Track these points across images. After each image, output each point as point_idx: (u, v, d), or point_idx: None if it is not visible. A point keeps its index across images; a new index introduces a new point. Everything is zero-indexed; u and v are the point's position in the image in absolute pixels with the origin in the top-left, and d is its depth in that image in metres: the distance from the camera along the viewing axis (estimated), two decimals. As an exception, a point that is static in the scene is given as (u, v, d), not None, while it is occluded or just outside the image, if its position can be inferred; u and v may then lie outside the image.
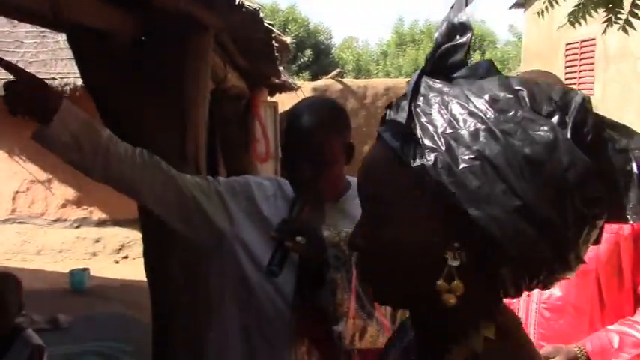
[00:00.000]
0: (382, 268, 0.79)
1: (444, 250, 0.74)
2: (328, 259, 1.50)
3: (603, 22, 3.51)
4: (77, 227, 8.58)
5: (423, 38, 28.17)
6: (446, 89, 0.75)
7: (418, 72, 0.78)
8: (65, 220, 8.59)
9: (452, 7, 0.81)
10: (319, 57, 25.45)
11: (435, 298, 0.75)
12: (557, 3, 3.65)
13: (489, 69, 0.78)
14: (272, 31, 3.64)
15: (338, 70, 13.27)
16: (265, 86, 7.56)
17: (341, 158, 1.68)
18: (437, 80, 0.76)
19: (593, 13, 3.58)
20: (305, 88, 11.62)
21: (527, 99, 0.75)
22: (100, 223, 8.57)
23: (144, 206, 1.76)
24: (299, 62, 24.12)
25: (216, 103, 4.55)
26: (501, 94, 0.74)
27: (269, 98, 11.07)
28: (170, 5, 2.12)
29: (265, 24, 3.37)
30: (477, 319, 0.78)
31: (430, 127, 0.73)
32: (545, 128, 0.72)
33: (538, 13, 3.74)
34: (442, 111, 0.74)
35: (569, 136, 0.72)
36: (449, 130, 0.73)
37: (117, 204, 8.51)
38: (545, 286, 0.78)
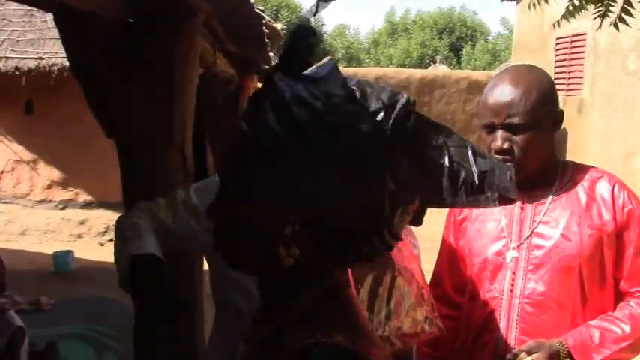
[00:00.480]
0: (236, 237, 0.92)
1: (284, 222, 0.85)
2: None
3: (595, 17, 3.51)
4: (62, 209, 8.52)
5: (414, 28, 28.14)
6: (292, 84, 0.87)
7: (271, 68, 0.92)
8: (50, 202, 8.53)
9: (304, 13, 0.95)
10: (310, 43, 25.28)
11: (276, 263, 0.89)
12: None
13: (333, 69, 0.91)
14: (262, 17, 3.61)
15: (329, 57, 13.19)
16: (255, 72, 7.51)
17: None
18: (286, 76, 0.88)
19: (586, 6, 3.58)
20: (295, 74, 11.58)
21: (358, 97, 0.89)
22: (86, 205, 8.52)
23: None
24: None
25: (205, 88, 4.52)
26: (337, 92, 0.87)
27: (259, 85, 11.03)
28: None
29: (256, 10, 3.34)
30: (310, 280, 0.93)
31: (275, 116, 0.85)
32: (368, 121, 0.86)
33: (529, 5, 3.73)
34: (287, 102, 0.86)
35: (389, 129, 0.87)
36: (290, 119, 0.84)
37: (103, 186, 8.48)
38: (371, 259, 0.92)
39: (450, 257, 1.96)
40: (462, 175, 0.92)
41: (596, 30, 3.55)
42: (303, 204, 0.84)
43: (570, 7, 3.54)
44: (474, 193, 0.92)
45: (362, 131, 0.85)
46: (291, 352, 0.87)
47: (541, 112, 1.69)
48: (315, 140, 0.83)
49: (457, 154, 0.93)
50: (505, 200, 0.93)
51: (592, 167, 1.81)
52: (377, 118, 0.87)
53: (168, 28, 2.23)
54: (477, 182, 0.92)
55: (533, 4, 3.68)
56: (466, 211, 1.90)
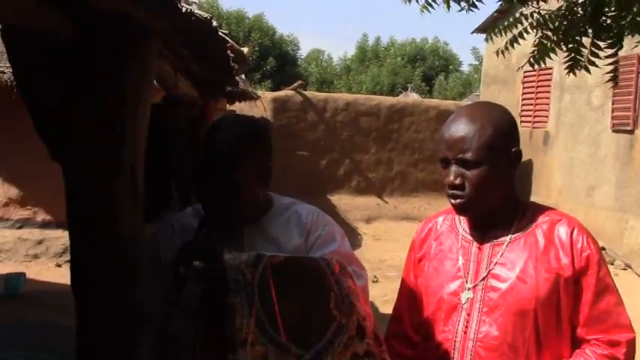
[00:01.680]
0: None
1: None
2: (228, 284, 1.44)
3: (565, 68, 3.57)
4: (19, 227, 8.27)
5: (386, 56, 28.43)
6: None
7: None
8: (7, 220, 8.27)
9: None
10: (284, 67, 25.42)
11: None
12: (517, 43, 3.69)
13: None
14: (227, 41, 3.54)
15: (299, 82, 13.23)
16: (223, 95, 7.44)
17: (256, 181, 1.65)
18: None
19: (552, 52, 3.63)
20: (265, 98, 11.53)
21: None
22: (44, 225, 8.27)
23: None
24: (262, 70, 24.06)
25: (169, 111, 4.43)
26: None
27: (228, 107, 10.95)
28: (109, 7, 2.00)
29: (220, 33, 3.27)
30: None
31: None
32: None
33: (497, 53, 3.76)
34: None
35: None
36: None
37: (62, 205, 8.19)
38: None
39: (409, 295, 1.91)
40: None
41: (566, 70, 3.60)
42: None
43: (536, 54, 3.58)
44: None
45: None
46: None
47: (496, 150, 1.66)
48: None
49: None
50: None
51: (553, 209, 1.78)
52: None
53: (120, 48, 2.13)
54: None
55: (501, 51, 3.72)
56: (425, 248, 1.86)
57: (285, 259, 1.50)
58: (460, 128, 1.67)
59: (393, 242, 10.71)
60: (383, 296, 7.60)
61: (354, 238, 10.92)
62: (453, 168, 1.67)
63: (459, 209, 1.71)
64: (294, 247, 1.66)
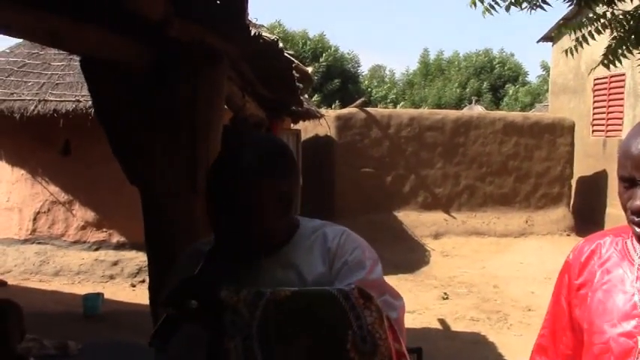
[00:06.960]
0: None
1: None
2: (224, 326, 1.27)
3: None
4: (96, 249, 8.56)
5: (449, 68, 28.15)
6: None
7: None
8: (84, 242, 8.59)
9: None
10: (347, 85, 25.55)
11: None
12: (587, 43, 3.57)
13: None
14: (292, 61, 3.59)
15: (362, 99, 13.22)
16: (288, 114, 7.52)
17: (273, 210, 1.41)
18: None
19: (628, 52, 3.51)
20: (329, 116, 11.59)
21: None
22: (119, 246, 8.55)
23: None
24: (326, 90, 24.25)
25: (236, 131, 4.51)
26: None
27: (292, 126, 11.06)
28: (184, 36, 2.07)
29: (285, 54, 3.32)
30: None
31: None
32: None
33: (565, 52, 3.65)
34: None
35: None
36: None
37: (136, 227, 8.42)
38: None
39: (559, 326, 1.65)
40: None
41: (638, 69, 3.47)
42: None
43: (609, 56, 3.46)
44: None
45: None
46: None
47: None
48: None
49: None
50: None
51: None
52: None
53: (192, 73, 2.20)
54: None
55: (570, 50, 3.61)
56: (587, 275, 1.57)
57: (292, 294, 1.31)
58: None
59: (462, 258, 10.50)
60: (454, 314, 7.44)
61: (421, 254, 10.77)
62: None
63: None
64: (318, 277, 1.44)
